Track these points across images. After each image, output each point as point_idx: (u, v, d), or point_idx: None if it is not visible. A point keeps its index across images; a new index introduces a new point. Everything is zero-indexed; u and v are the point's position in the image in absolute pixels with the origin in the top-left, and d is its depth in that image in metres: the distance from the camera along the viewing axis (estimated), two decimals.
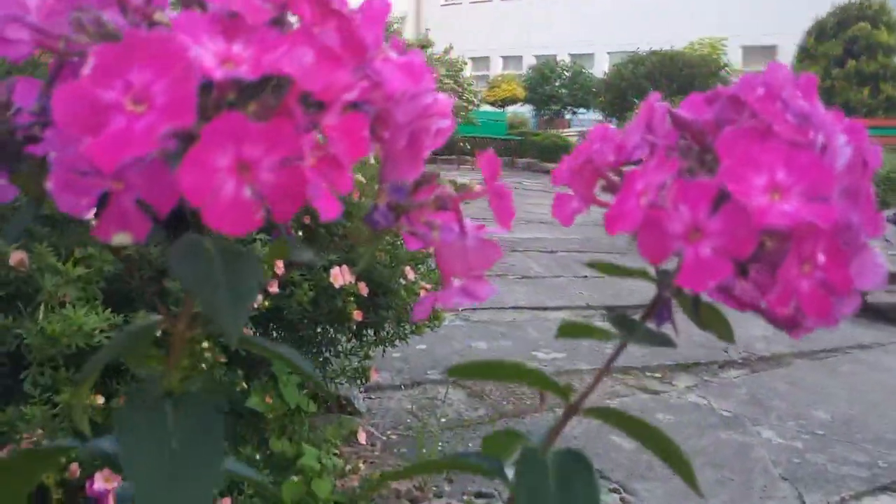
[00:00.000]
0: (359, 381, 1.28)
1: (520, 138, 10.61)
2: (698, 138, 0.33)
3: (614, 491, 1.48)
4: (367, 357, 1.27)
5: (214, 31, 0.23)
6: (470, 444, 1.65)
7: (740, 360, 2.44)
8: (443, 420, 1.78)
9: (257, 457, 1.03)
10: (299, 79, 0.23)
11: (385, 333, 1.28)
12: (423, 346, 2.36)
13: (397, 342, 1.33)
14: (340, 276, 1.14)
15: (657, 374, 2.24)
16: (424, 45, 7.24)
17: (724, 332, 0.35)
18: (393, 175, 0.32)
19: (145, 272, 1.07)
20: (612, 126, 0.38)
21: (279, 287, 1.11)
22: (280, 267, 1.13)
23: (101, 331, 0.89)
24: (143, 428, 0.26)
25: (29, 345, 0.86)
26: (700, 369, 2.32)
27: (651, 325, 0.36)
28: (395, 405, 1.86)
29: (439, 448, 1.63)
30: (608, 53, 17.97)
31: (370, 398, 1.87)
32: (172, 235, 0.28)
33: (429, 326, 1.35)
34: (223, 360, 1.01)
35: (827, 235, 0.27)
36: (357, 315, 1.15)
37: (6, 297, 0.92)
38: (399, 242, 1.28)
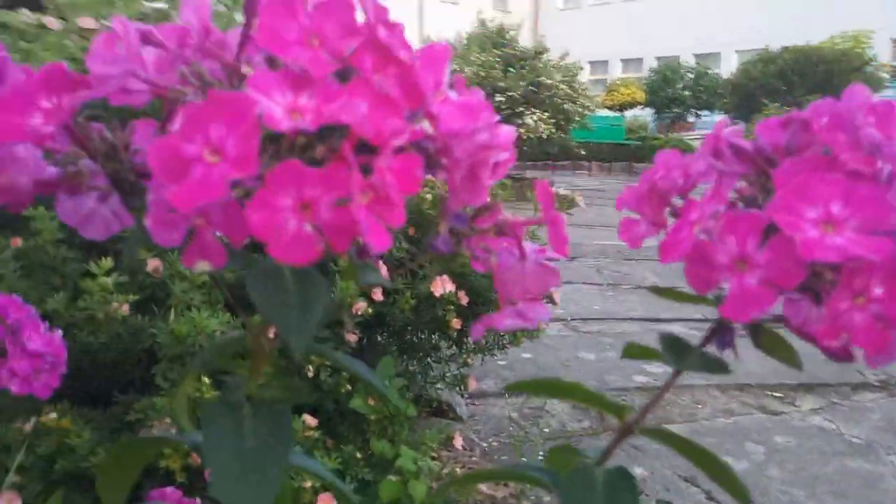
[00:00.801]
0: (458, 388, 1.32)
1: (638, 143, 10.33)
2: (759, 167, 0.33)
3: (707, 500, 1.42)
4: (465, 364, 1.30)
5: (285, 85, 0.26)
6: None
7: (877, 383, 2.25)
8: (545, 430, 1.78)
9: (358, 455, 1.08)
10: (354, 126, 0.26)
11: (484, 342, 1.30)
12: (529, 356, 2.37)
13: (496, 351, 1.35)
14: (440, 286, 1.17)
15: (778, 394, 2.12)
16: (539, 51, 7.20)
17: (789, 358, 0.34)
18: (454, 204, 0.34)
19: None
20: (679, 154, 0.38)
21: (384, 295, 1.16)
22: (385, 275, 1.18)
23: (222, 332, 0.97)
24: (224, 426, 0.30)
25: (160, 343, 0.96)
26: (828, 390, 2.17)
27: (712, 349, 0.36)
28: (498, 412, 1.87)
29: (539, 457, 1.63)
30: (737, 52, 17.13)
31: (474, 404, 1.90)
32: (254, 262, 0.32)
33: (527, 336, 1.36)
34: (329, 363, 1.07)
35: (883, 268, 0.26)
36: (456, 323, 1.18)
37: (143, 300, 1.02)
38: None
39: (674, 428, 1.81)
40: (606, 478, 0.34)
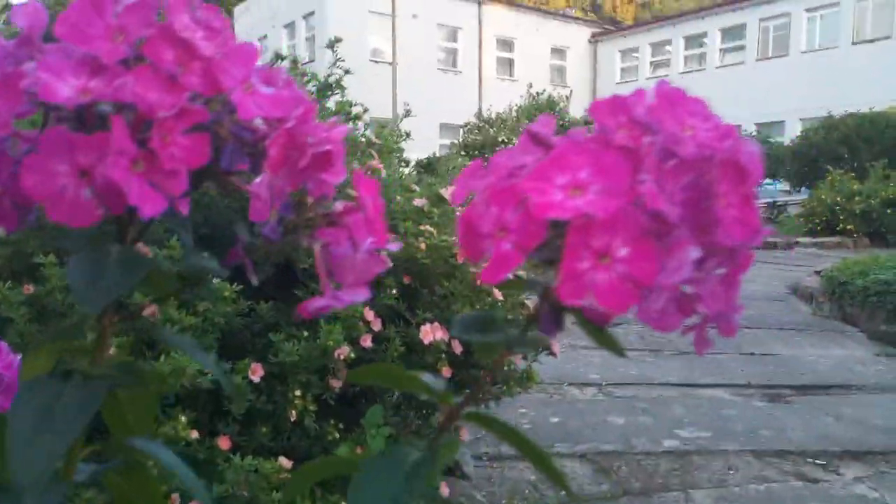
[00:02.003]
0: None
1: None
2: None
3: None
4: None
5: (79, 70, 0.29)
6: None
7: None
8: (562, 493, 1.72)
9: None
10: (136, 103, 0.29)
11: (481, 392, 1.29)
12: (557, 419, 2.31)
13: (493, 404, 1.33)
14: (430, 333, 1.18)
15: (820, 461, 1.99)
16: (589, 121, 7.29)
17: (600, 339, 0.34)
18: (278, 192, 0.36)
19: (257, 325, 1.19)
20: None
21: (373, 342, 1.17)
22: (377, 324, 1.20)
23: (203, 373, 1.00)
24: (43, 390, 0.32)
25: None
26: (876, 458, 2.02)
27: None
28: (517, 475, 1.82)
29: None
30: (800, 120, 16.95)
31: (491, 467, 1.86)
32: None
33: (519, 387, 1.34)
34: (313, 408, 1.08)
35: (627, 230, 0.27)
36: (446, 371, 1.18)
37: (136, 341, 1.07)
38: (495, 303, 1.31)
39: (699, 493, 1.73)
40: (414, 461, 0.34)
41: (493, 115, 7.40)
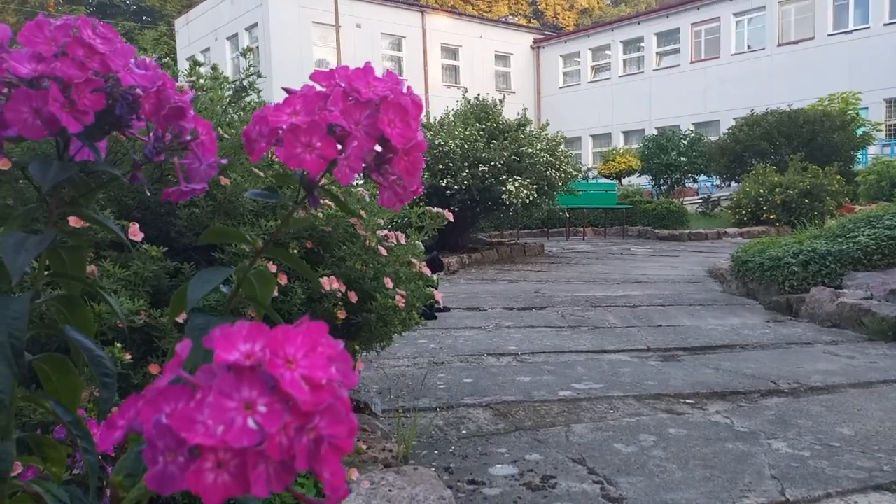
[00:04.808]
0: None
1: (630, 206, 10.67)
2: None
3: (597, 483, 1.62)
4: (355, 352, 1.56)
5: (32, 60, 0.56)
6: (478, 448, 1.86)
7: (787, 390, 2.44)
8: (464, 432, 2.00)
9: None
10: (60, 75, 0.55)
11: (371, 332, 1.56)
12: (470, 380, 2.59)
13: (382, 343, 1.60)
14: (328, 284, 1.45)
15: (690, 401, 2.32)
16: (522, 123, 7.67)
17: (339, 205, 0.62)
18: (156, 133, 0.63)
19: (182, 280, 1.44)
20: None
21: (280, 293, 1.43)
22: (283, 279, 1.47)
23: (139, 315, 1.25)
24: (20, 235, 0.58)
25: None
26: (738, 397, 2.36)
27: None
28: (426, 422, 2.09)
29: (451, 451, 1.85)
30: (733, 119, 17.77)
31: (406, 417, 2.13)
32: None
33: (403, 327, 1.62)
34: None
35: (316, 131, 0.55)
36: (341, 314, 1.45)
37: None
38: (383, 260, 1.58)
39: (579, 426, 2.03)
40: (226, 271, 0.61)
41: (433, 120, 7.72)
